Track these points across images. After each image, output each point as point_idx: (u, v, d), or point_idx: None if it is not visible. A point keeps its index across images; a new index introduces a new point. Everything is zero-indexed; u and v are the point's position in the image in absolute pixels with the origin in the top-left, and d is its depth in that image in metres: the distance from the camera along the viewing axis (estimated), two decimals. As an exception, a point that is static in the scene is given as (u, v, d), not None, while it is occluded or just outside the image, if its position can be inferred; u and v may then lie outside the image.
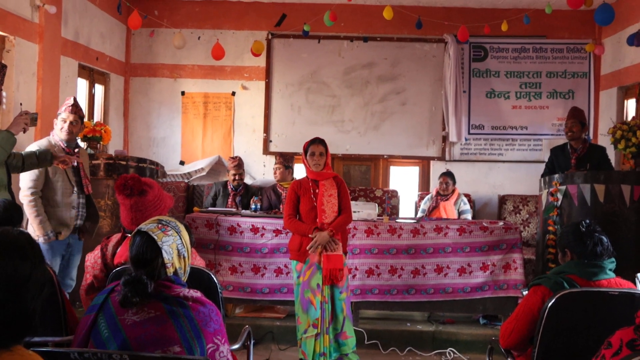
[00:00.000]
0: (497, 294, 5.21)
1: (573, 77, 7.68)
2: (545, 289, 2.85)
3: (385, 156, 7.84)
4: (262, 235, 5.25)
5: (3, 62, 4.62)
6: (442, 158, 7.74)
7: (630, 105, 7.07)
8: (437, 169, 7.63)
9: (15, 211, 3.28)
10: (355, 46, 7.80)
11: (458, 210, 6.73)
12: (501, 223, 5.34)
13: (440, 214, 6.65)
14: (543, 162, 6.55)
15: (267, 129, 7.81)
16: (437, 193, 6.86)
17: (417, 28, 7.13)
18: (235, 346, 2.95)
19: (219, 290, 2.89)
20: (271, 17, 7.67)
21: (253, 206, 5.73)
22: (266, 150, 7.81)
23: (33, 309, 1.49)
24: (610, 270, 2.88)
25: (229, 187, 6.59)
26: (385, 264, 5.22)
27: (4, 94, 4.92)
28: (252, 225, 5.26)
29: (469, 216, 6.69)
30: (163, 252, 2.18)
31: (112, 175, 5.52)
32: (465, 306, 5.25)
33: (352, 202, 4.70)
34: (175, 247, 2.23)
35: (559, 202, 4.94)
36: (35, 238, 4.30)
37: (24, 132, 4.24)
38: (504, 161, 7.74)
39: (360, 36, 7.78)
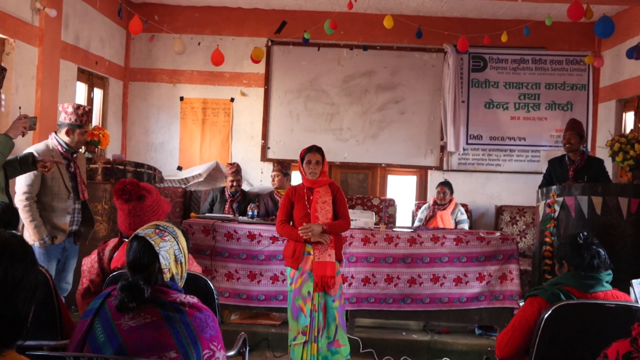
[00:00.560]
0: (493, 305, 5.21)
1: (572, 89, 7.71)
2: (541, 300, 2.85)
3: (383, 165, 7.85)
4: (258, 242, 5.25)
5: (2, 65, 4.62)
6: (439, 168, 7.75)
7: (629, 118, 7.09)
8: (434, 178, 7.64)
9: (12, 214, 3.28)
10: (355, 54, 7.83)
11: (455, 220, 6.74)
12: (498, 234, 5.35)
13: (437, 224, 6.66)
14: (541, 173, 6.57)
15: (265, 135, 7.82)
16: (435, 202, 6.87)
17: (417, 37, 7.16)
18: (231, 353, 2.95)
19: (215, 296, 2.89)
20: (271, 24, 7.69)
21: (250, 213, 5.73)
22: (264, 157, 7.82)
23: (25, 313, 1.48)
24: (607, 282, 2.89)
25: (226, 193, 6.58)
26: (381, 272, 5.21)
27: (2, 96, 4.94)
28: (249, 232, 5.25)
29: (465, 226, 6.70)
30: (160, 257, 2.18)
31: (109, 179, 5.52)
32: (461, 316, 5.25)
33: (349, 211, 4.68)
34: (172, 252, 2.23)
35: (556, 214, 4.95)
36: (31, 242, 4.34)
37: (23, 136, 4.24)
38: (501, 172, 7.75)
39: (360, 44, 7.81)
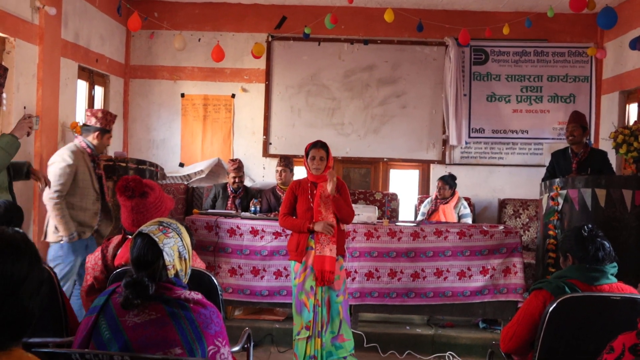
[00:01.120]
0: (496, 298, 5.21)
1: (574, 81, 7.69)
2: (546, 293, 2.85)
3: (385, 159, 7.85)
4: (261, 237, 5.26)
5: (3, 64, 4.63)
6: (442, 161, 7.75)
7: (632, 109, 7.08)
8: (437, 172, 7.63)
9: (15, 212, 3.29)
10: (356, 49, 7.82)
11: (458, 214, 6.73)
12: (501, 227, 5.35)
13: (439, 218, 6.65)
14: (544, 166, 6.57)
15: (266, 131, 7.82)
16: (437, 196, 6.86)
17: (418, 31, 7.14)
18: (235, 348, 2.96)
19: (219, 292, 2.90)
20: (271, 19, 7.68)
21: (252, 208, 5.74)
22: (266, 153, 7.82)
23: (31, 309, 1.49)
24: (612, 275, 2.88)
25: (228, 189, 6.59)
26: (384, 267, 5.22)
27: (4, 95, 4.95)
28: (252, 228, 5.27)
29: (469, 220, 6.69)
30: (164, 254, 2.19)
31: (111, 177, 5.52)
32: (465, 310, 5.25)
33: (353, 206, 4.70)
34: (176, 249, 2.24)
35: (560, 207, 4.95)
36: (58, 239, 4.51)
37: (28, 135, 4.28)
38: (504, 165, 7.75)
39: (360, 39, 7.80)
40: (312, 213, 4.40)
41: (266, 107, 7.83)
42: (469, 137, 7.70)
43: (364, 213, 5.45)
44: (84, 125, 4.95)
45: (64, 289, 4.23)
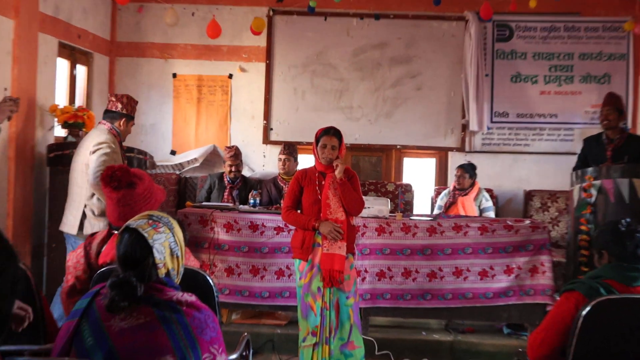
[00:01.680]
0: (523, 300, 5.19)
1: (609, 59, 7.63)
2: (579, 295, 2.83)
3: (398, 146, 7.82)
4: (261, 233, 5.25)
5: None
6: (461, 149, 7.71)
7: (673, 91, 7.03)
8: (456, 160, 7.60)
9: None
10: (366, 24, 7.77)
11: (479, 206, 6.71)
12: (527, 221, 5.33)
13: (458, 211, 6.63)
14: (575, 154, 6.51)
15: (267, 115, 7.80)
16: (455, 187, 6.84)
17: (434, 4, 7.08)
18: (233, 356, 2.94)
19: (215, 294, 2.89)
20: (273, -9, 7.65)
21: (252, 201, 5.73)
22: (266, 139, 7.80)
23: (5, 310, 1.47)
24: (653, 274, 2.85)
25: (225, 179, 6.58)
26: (398, 265, 5.22)
27: None
28: (251, 222, 5.26)
29: (491, 213, 6.67)
30: (154, 251, 2.18)
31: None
32: (487, 313, 5.24)
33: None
34: (167, 245, 2.23)
35: (593, 199, 4.91)
36: (99, 228, 4.76)
37: (9, 119, 4.28)
38: (530, 153, 7.71)
39: (371, 13, 7.75)
40: (319, 207, 4.39)
41: (267, 88, 7.80)
42: (492, 121, 7.66)
43: (374, 206, 5.44)
44: (108, 111, 5.16)
45: None
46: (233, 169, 6.52)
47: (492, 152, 7.73)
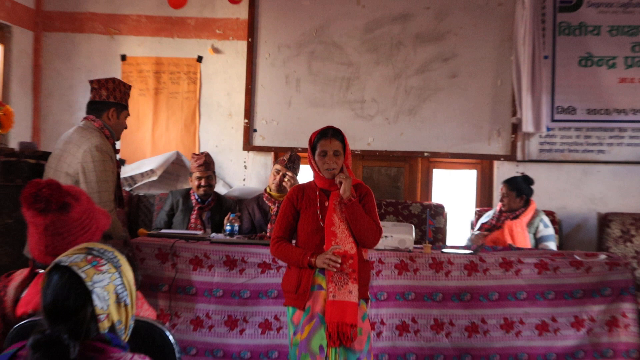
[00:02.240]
0: (597, 364, 5.20)
1: None
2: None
3: (426, 154, 7.82)
4: (241, 271, 5.26)
5: None
6: (511, 157, 7.70)
7: None
8: (504, 172, 7.60)
9: None
10: (383, -11, 7.81)
11: (534, 235, 6.69)
12: (603, 256, 5.32)
13: (504, 239, 6.59)
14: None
15: (249, 112, 7.81)
16: (501, 209, 6.81)
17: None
18: None
19: (177, 354, 2.87)
20: (257, -56, 7.69)
21: (228, 227, 5.73)
22: (248, 145, 7.80)
23: None
24: None
25: (192, 198, 6.59)
26: (426, 316, 5.23)
27: None
28: (227, 256, 5.27)
29: (552, 245, 6.65)
30: (94, 297, 2.17)
31: (13, 179, 5.49)
32: (548, 381, 5.23)
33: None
34: (112, 290, 2.22)
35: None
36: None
37: None
38: (606, 162, 7.70)
39: (389, -26, 7.79)
40: (321, 236, 4.40)
41: (249, 76, 7.81)
42: (552, 120, 7.67)
43: (394, 235, 5.43)
44: (91, 102, 5.29)
45: None
46: (203, 183, 6.52)
47: (554, 162, 7.73)
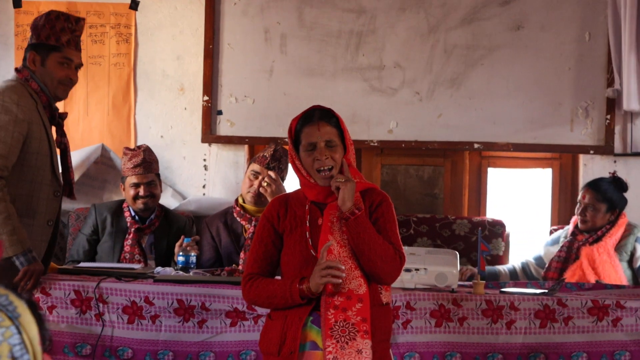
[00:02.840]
0: None
1: None
2: None
3: (476, 146, 7.82)
4: (200, 323, 5.30)
5: None
6: (606, 149, 7.70)
7: None
8: (595, 171, 7.60)
9: None
10: None
11: (630, 262, 6.69)
12: None
13: (583, 273, 6.58)
14: None
15: (210, 85, 7.82)
16: (576, 225, 6.82)
17: None
18: None
19: None
20: None
21: (181, 258, 5.74)
22: (210, 133, 7.81)
23: None
24: None
25: (126, 215, 6.60)
26: (478, 387, 5.26)
27: None
28: (179, 302, 5.30)
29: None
30: (-19, 362, 2.18)
31: None
32: None
33: (405, 249, 4.69)
34: (7, 352, 2.23)
35: None
36: None
37: None
38: None
39: None
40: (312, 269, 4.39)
41: (209, 30, 7.83)
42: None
43: (430, 267, 5.45)
44: (30, 45, 5.58)
45: None
46: (142, 192, 6.53)
47: (668, 155, 7.75)
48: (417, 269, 5.33)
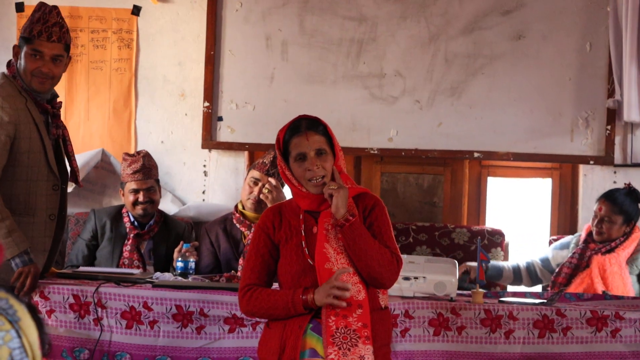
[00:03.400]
0: None
1: None
2: None
3: (476, 155, 7.82)
4: (199, 329, 5.29)
5: None
6: (606, 159, 7.70)
7: None
8: (595, 182, 7.61)
9: None
10: None
11: (639, 276, 6.70)
12: None
13: (592, 282, 6.58)
14: None
15: (211, 91, 7.82)
16: (589, 234, 6.80)
17: None
18: None
19: None
20: None
21: (180, 264, 5.73)
22: (210, 139, 7.81)
23: None
24: None
25: (125, 221, 6.60)
26: (476, 397, 5.26)
27: None
28: (177, 308, 5.30)
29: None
30: (-23, 368, 2.18)
31: None
32: None
33: (404, 257, 4.69)
34: (6, 356, 2.23)
35: None
36: None
37: None
38: None
39: None
40: (312, 278, 4.41)
41: (211, 36, 7.84)
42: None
43: (428, 275, 5.45)
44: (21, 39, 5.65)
45: None
46: (142, 198, 6.53)
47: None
48: (416, 278, 5.32)
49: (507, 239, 7.50)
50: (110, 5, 7.88)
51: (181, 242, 5.95)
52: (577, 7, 7.75)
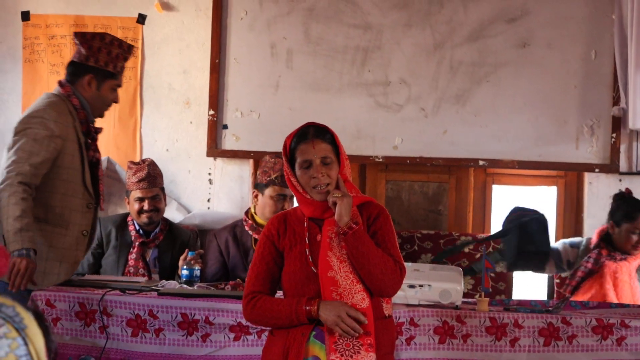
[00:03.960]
0: None
1: None
2: None
3: (481, 163, 7.82)
4: (204, 337, 5.29)
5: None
6: (611, 167, 7.70)
7: None
8: (600, 190, 7.60)
9: None
10: None
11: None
12: None
13: (602, 288, 6.57)
14: None
15: (216, 99, 7.82)
16: (601, 239, 6.78)
17: None
18: None
19: None
20: None
21: (186, 272, 5.73)
22: (215, 147, 7.81)
23: None
24: None
25: (130, 229, 6.61)
26: (482, 405, 5.25)
27: None
28: (183, 316, 5.30)
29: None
30: (-14, 373, 2.18)
31: None
32: None
33: (408, 266, 4.69)
34: (13, 362, 2.23)
35: None
36: None
37: None
38: None
39: None
40: (316, 287, 4.40)
41: (216, 45, 7.83)
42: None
43: (433, 283, 5.44)
44: (71, 63, 5.78)
45: None
46: (147, 207, 6.54)
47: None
48: (420, 285, 5.31)
49: (512, 247, 7.50)
50: (116, 14, 7.88)
51: (186, 250, 5.94)
52: (582, 14, 7.75)
